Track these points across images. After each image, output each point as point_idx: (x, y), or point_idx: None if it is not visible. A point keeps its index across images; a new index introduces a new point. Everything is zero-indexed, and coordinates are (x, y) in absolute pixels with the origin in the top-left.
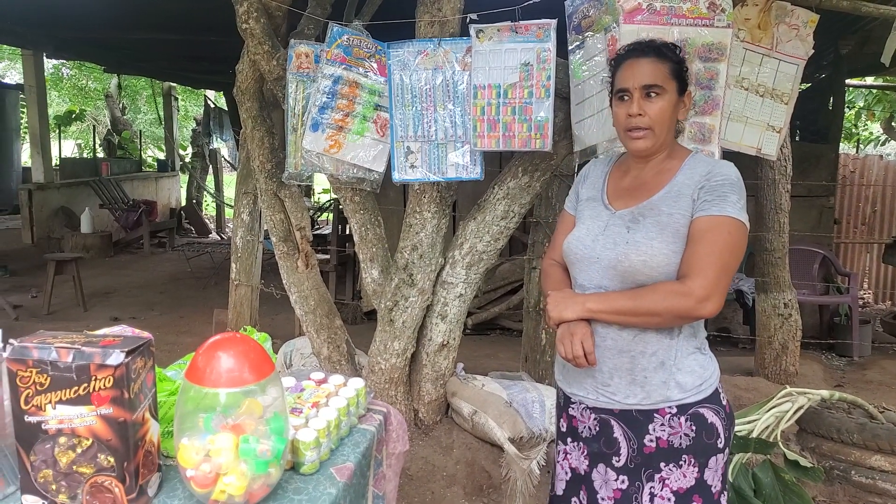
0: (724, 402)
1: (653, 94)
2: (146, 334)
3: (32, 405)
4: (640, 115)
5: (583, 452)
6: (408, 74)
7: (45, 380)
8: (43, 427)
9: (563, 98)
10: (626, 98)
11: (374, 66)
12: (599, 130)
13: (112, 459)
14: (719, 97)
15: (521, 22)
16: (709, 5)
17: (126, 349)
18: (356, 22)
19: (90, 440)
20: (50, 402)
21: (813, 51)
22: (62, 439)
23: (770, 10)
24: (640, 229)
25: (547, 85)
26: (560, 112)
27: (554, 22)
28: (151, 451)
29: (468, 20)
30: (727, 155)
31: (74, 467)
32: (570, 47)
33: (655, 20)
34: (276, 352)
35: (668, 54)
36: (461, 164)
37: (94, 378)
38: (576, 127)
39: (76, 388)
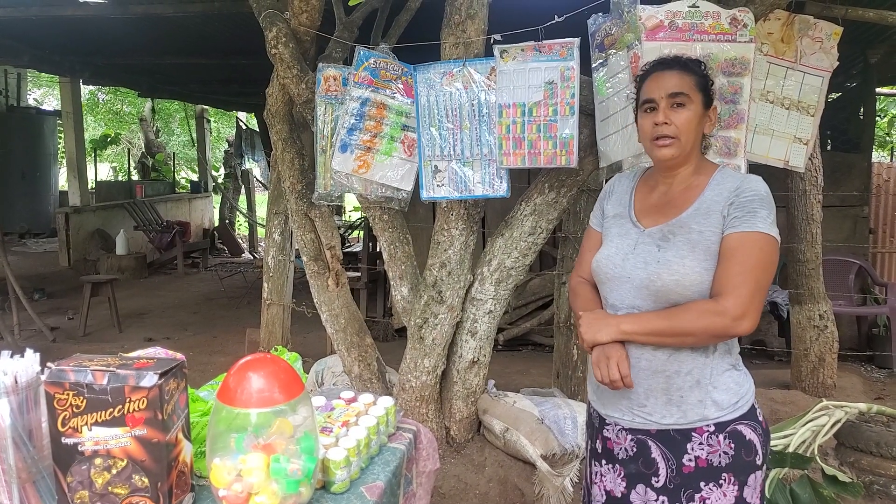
0: (761, 419)
1: (679, 104)
2: (179, 356)
3: (69, 427)
4: (665, 123)
5: (619, 474)
6: (434, 95)
7: (82, 402)
8: (79, 449)
9: (588, 115)
10: (652, 108)
11: (401, 87)
12: (625, 146)
13: (146, 480)
14: (744, 111)
15: (545, 41)
16: (731, 21)
17: (159, 371)
18: (383, 45)
19: (125, 461)
20: (86, 423)
21: (838, 62)
22: (98, 460)
23: (793, 23)
24: (671, 248)
25: (571, 102)
26: (585, 129)
27: (577, 41)
28: (184, 472)
29: (492, 41)
30: (756, 167)
31: (110, 488)
32: (593, 65)
33: (677, 37)
34: (307, 370)
35: (693, 68)
36: (488, 181)
37: (128, 400)
38: (601, 143)
39: (111, 409)
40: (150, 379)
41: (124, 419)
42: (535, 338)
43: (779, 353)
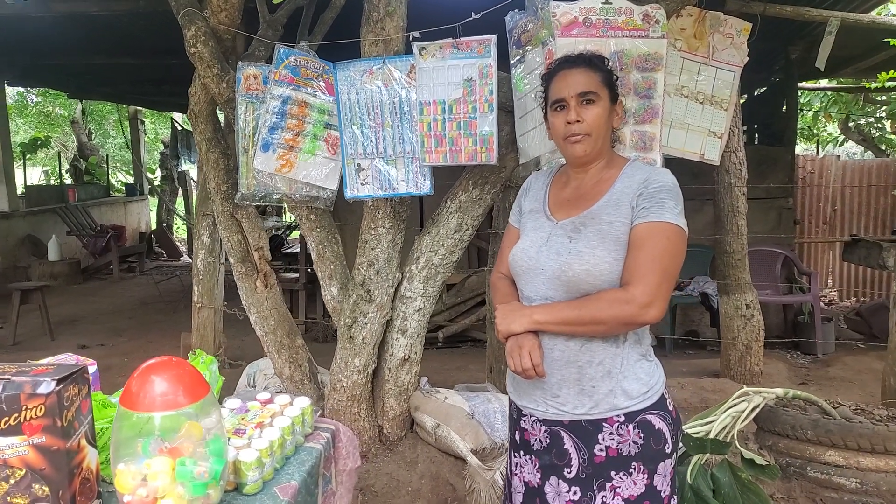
0: (671, 408)
1: (588, 102)
2: (90, 361)
3: None
4: (578, 121)
5: (535, 465)
6: (354, 93)
7: None
8: None
9: (507, 112)
10: (563, 107)
11: (322, 85)
12: (542, 142)
13: (47, 489)
14: (658, 105)
15: (462, 38)
16: (643, 17)
17: (57, 377)
18: (303, 43)
19: (23, 470)
20: None
21: (748, 58)
22: None
23: (704, 20)
24: (582, 239)
25: (490, 99)
26: (505, 125)
27: (494, 38)
28: (89, 479)
29: (411, 38)
30: (679, 162)
31: (8, 499)
32: (511, 62)
33: (591, 33)
34: (241, 373)
35: (598, 64)
36: (411, 179)
37: (24, 408)
38: (520, 139)
39: (6, 418)
40: (46, 386)
41: (21, 427)
42: (474, 334)
43: (710, 343)
